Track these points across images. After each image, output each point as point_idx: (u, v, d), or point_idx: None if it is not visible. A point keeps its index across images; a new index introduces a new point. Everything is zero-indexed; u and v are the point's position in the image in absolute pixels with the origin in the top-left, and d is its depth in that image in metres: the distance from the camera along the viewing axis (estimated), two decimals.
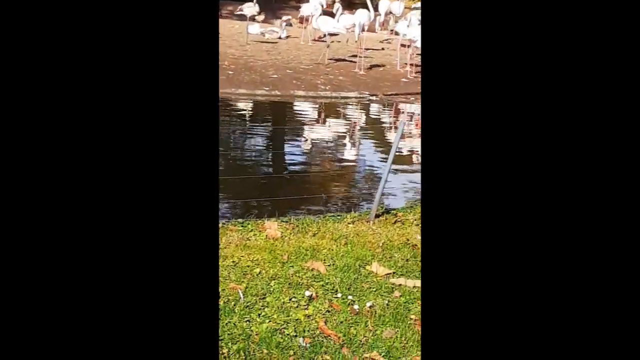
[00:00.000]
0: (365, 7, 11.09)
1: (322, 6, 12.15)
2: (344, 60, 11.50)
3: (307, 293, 3.06)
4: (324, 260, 3.47)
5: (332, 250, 3.62)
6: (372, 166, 6.46)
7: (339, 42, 12.94)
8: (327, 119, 8.45)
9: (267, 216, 4.08)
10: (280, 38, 13.13)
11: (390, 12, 14.37)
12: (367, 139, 7.66)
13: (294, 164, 6.29)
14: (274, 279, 3.18)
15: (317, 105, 8.91)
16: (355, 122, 8.50)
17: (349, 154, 6.97)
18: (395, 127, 7.59)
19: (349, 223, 4.11)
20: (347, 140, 7.49)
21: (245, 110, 8.50)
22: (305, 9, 13.35)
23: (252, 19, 12.74)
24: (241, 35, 12.57)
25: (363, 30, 11.00)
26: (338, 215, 4.26)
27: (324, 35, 11.17)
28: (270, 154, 6.62)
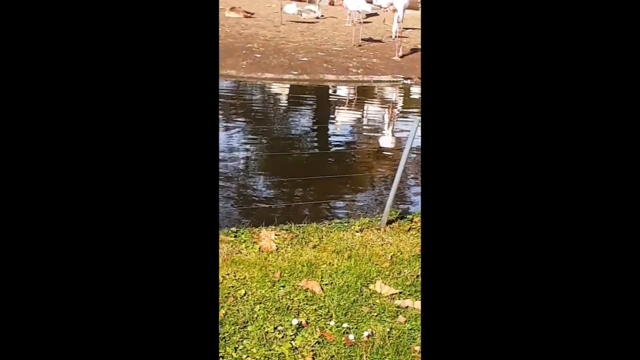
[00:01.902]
0: None
1: None
2: (379, 41, 10.97)
3: (295, 321, 2.68)
4: (322, 278, 3.08)
5: (333, 265, 3.21)
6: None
7: (371, 22, 12.37)
8: (360, 103, 8.01)
9: (265, 223, 3.68)
10: (317, 18, 12.64)
11: None
12: (404, 120, 7.18)
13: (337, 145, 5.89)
14: (260, 303, 2.80)
15: (350, 89, 8.46)
16: (391, 106, 8.05)
17: (385, 140, 6.56)
18: None
19: (356, 231, 3.68)
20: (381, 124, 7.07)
21: (263, 95, 8.13)
22: None
23: None
24: (277, 15, 12.15)
25: (405, 8, 10.32)
26: (345, 222, 3.84)
27: (366, 16, 10.63)
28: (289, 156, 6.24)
